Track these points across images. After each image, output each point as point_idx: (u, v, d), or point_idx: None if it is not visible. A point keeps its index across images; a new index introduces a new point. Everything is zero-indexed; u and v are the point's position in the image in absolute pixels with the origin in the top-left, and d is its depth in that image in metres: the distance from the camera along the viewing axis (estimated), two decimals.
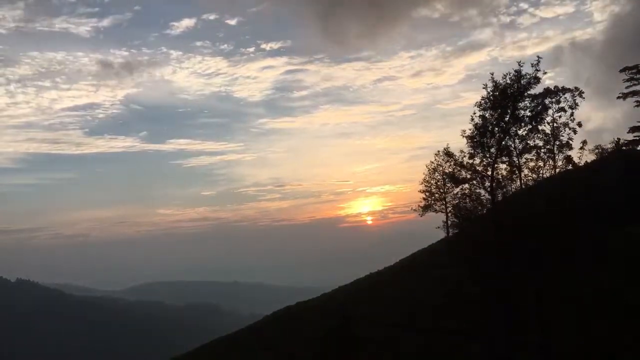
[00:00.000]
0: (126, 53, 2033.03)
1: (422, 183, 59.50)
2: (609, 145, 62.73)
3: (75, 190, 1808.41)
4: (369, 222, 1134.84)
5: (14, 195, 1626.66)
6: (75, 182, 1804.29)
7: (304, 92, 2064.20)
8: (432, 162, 57.15)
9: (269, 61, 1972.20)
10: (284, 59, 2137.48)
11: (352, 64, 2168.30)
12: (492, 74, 32.62)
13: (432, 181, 58.09)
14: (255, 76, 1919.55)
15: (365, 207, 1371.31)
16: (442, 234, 59.13)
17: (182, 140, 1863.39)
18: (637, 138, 61.39)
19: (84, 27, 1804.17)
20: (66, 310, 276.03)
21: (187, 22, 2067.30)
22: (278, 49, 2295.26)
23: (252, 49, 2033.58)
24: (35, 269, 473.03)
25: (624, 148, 61.65)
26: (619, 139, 62.80)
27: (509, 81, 32.43)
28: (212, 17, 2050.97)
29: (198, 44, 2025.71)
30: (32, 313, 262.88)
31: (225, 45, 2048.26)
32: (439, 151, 55.17)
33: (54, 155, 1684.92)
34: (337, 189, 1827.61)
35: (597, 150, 62.34)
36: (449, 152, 37.23)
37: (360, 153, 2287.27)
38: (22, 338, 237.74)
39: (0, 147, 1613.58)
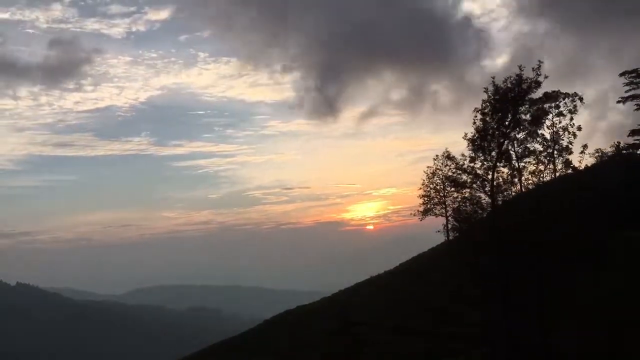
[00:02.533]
0: (154, 55, 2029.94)
1: (420, 188, 59.79)
2: (609, 149, 62.93)
3: (79, 193, 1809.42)
4: (373, 226, 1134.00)
5: (16, 198, 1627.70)
6: (81, 184, 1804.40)
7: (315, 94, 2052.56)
8: (431, 167, 57.49)
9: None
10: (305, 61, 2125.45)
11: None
12: (494, 78, 32.77)
13: (431, 185, 58.39)
14: (276, 77, 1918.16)
15: (370, 210, 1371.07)
16: (442, 238, 59.40)
17: (193, 143, 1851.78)
18: (637, 141, 61.48)
19: (116, 29, 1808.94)
20: (66, 314, 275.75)
21: (215, 25, 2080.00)
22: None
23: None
24: (35, 273, 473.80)
25: (624, 152, 61.76)
26: (619, 142, 62.99)
27: (509, 85, 32.58)
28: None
29: (225, 46, 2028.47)
30: (31, 317, 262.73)
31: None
32: (437, 155, 55.58)
33: (62, 158, 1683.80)
34: (344, 192, 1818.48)
35: (597, 154, 62.55)
36: (450, 155, 37.32)
37: (368, 155, 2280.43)
38: (21, 341, 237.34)
39: (13, 149, 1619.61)
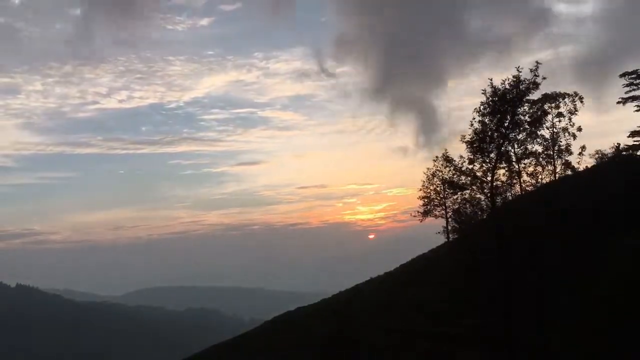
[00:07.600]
0: (212, 53, 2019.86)
1: (420, 189, 59.57)
2: (608, 150, 62.74)
3: (80, 193, 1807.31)
4: (381, 226, 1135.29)
5: (16, 197, 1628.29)
6: (81, 184, 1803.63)
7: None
8: (431, 168, 57.24)
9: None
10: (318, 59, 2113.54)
11: None
12: (491, 80, 32.78)
13: (430, 187, 58.15)
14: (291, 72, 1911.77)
15: (380, 210, 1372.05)
16: (443, 239, 59.23)
17: (200, 142, 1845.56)
18: (637, 143, 61.36)
19: (180, 25, 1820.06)
20: (66, 315, 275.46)
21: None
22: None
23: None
24: (35, 274, 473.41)
25: (624, 153, 61.61)
26: (619, 143, 62.79)
27: (507, 87, 32.55)
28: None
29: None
30: (31, 318, 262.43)
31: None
32: (437, 156, 55.36)
33: (63, 157, 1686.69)
34: (359, 192, 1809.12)
35: (597, 155, 62.38)
36: (448, 157, 37.19)
37: (379, 152, 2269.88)
38: (21, 344, 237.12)
39: (14, 148, 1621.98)
